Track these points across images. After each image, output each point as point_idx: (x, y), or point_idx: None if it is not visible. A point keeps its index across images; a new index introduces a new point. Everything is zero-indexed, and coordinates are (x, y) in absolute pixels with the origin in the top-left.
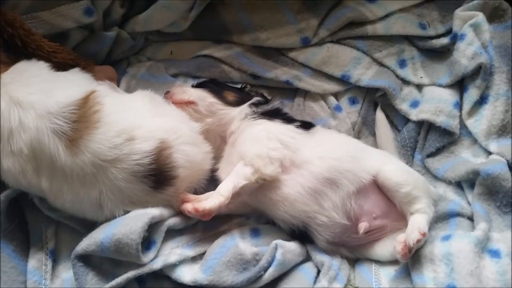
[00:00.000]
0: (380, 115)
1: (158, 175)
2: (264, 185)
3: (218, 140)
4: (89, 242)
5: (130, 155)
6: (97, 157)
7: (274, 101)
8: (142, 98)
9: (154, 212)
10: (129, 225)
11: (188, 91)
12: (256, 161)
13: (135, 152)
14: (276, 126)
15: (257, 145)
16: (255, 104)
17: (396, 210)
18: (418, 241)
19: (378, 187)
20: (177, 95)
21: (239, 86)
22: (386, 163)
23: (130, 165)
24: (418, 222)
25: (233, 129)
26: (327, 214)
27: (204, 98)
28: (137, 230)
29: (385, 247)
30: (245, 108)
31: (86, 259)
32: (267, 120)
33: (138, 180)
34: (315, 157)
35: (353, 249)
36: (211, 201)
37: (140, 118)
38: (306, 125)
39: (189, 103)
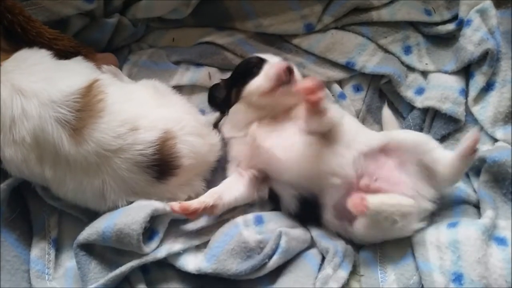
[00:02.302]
0: (386, 113)
1: (161, 166)
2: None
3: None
4: (90, 231)
5: (133, 145)
6: (100, 146)
7: None
8: (147, 88)
9: (158, 204)
10: (131, 215)
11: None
12: None
13: (139, 142)
14: None
15: None
16: None
17: (402, 181)
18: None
19: (387, 155)
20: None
21: None
22: (392, 133)
23: (133, 155)
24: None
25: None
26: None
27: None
28: (138, 220)
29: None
30: None
31: (89, 248)
32: None
33: (141, 170)
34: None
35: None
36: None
37: (145, 108)
38: None
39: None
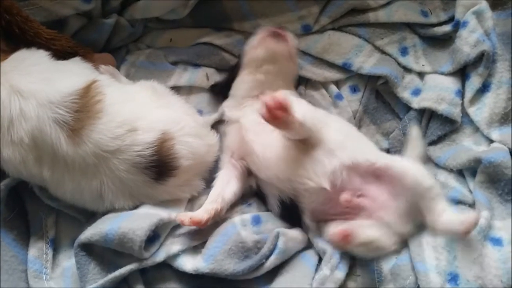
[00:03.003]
0: (415, 132)
1: (159, 167)
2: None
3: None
4: (93, 232)
5: (131, 146)
6: (98, 147)
7: None
8: (145, 89)
9: (163, 214)
10: (137, 221)
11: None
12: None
13: (137, 143)
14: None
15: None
16: None
17: (388, 206)
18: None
19: (380, 179)
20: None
21: None
22: (395, 159)
23: (131, 156)
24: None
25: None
26: (314, 180)
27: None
28: (144, 227)
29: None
30: None
31: (89, 248)
32: None
33: (139, 171)
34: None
35: None
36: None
37: (143, 109)
38: None
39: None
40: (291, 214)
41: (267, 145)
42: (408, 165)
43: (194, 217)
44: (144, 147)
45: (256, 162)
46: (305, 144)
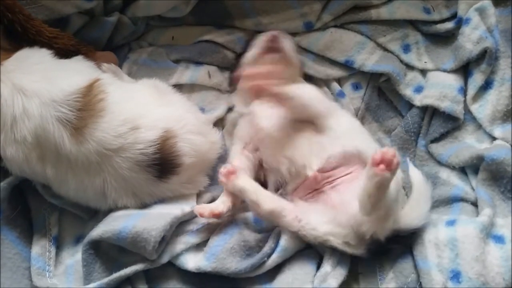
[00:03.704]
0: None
1: (162, 164)
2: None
3: None
4: (106, 229)
5: (134, 144)
6: (101, 145)
7: None
8: (147, 87)
9: (176, 212)
10: (152, 221)
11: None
12: None
13: (140, 142)
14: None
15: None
16: None
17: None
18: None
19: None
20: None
21: None
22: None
23: (134, 154)
24: None
25: None
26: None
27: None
28: (159, 228)
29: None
30: None
31: (96, 246)
32: None
33: (142, 169)
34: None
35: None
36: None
37: (145, 107)
38: None
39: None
40: None
41: (278, 127)
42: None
43: (214, 209)
44: (146, 145)
45: (268, 145)
46: (313, 129)
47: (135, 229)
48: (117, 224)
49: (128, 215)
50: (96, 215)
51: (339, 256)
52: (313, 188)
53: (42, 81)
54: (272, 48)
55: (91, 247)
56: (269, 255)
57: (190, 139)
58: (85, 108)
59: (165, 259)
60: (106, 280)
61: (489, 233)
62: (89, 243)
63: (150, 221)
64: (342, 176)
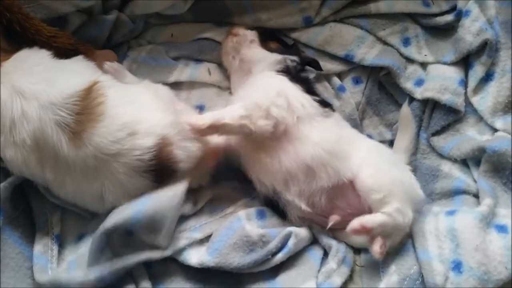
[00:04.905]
0: (405, 110)
1: (158, 171)
2: (247, 140)
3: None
4: (119, 216)
5: (131, 150)
6: (99, 150)
7: (310, 72)
8: (147, 91)
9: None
10: (164, 202)
11: (242, 31)
12: (253, 108)
13: (136, 148)
14: (292, 88)
15: (263, 94)
16: (291, 61)
17: None
18: (353, 229)
19: None
20: (234, 29)
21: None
22: (367, 164)
23: (131, 160)
24: (368, 217)
25: (254, 70)
26: (291, 198)
27: (248, 35)
28: (173, 206)
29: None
30: (277, 57)
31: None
32: (288, 79)
33: (139, 174)
34: (310, 140)
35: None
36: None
37: (143, 111)
38: (325, 105)
39: (235, 34)
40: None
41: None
42: (367, 174)
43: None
44: (143, 152)
45: (251, 162)
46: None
47: (150, 208)
48: (130, 209)
49: (137, 203)
50: (97, 214)
51: (343, 254)
52: None
53: (41, 83)
54: (230, 33)
55: (104, 236)
56: (274, 254)
57: (186, 146)
58: (84, 112)
59: (168, 252)
60: (107, 270)
61: (491, 223)
62: (103, 233)
63: (162, 202)
64: None
